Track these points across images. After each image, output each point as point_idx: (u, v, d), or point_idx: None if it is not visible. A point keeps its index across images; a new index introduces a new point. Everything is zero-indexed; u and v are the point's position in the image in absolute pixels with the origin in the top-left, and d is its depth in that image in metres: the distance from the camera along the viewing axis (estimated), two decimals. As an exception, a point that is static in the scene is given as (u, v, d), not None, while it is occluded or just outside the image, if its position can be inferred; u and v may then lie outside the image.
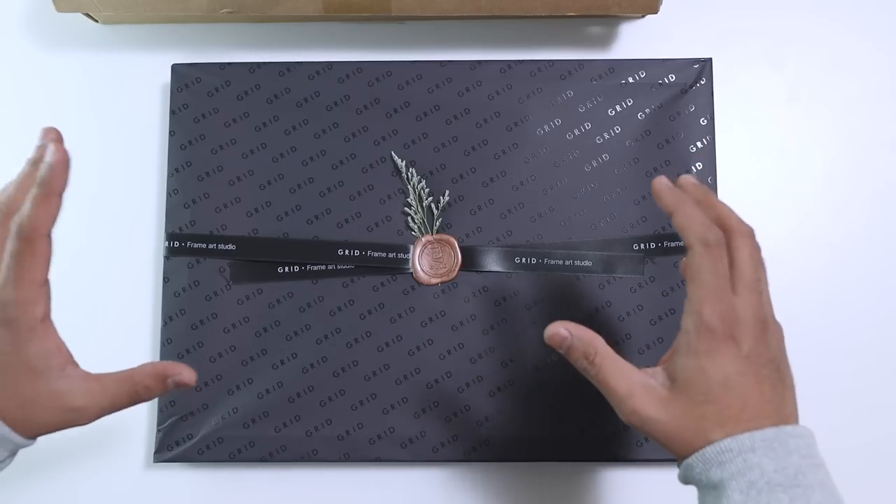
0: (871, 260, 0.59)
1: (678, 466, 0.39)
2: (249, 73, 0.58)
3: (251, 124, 0.57)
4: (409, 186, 0.56)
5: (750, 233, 0.40)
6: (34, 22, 0.62)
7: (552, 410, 0.54)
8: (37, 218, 0.39)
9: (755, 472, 0.35)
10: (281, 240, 0.56)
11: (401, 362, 0.55)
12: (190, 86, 0.58)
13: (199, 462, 0.55)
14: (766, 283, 0.40)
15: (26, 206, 0.39)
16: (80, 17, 0.59)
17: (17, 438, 0.39)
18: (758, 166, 0.60)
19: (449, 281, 0.56)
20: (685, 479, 0.38)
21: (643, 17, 0.60)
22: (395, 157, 0.56)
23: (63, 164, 0.41)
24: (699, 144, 0.56)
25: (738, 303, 0.38)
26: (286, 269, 0.56)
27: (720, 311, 0.37)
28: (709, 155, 0.56)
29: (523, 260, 0.56)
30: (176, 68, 0.58)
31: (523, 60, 0.57)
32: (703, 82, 0.57)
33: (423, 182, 0.56)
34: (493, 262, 0.56)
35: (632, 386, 0.38)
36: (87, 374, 0.41)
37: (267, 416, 0.55)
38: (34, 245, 0.39)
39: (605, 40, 0.61)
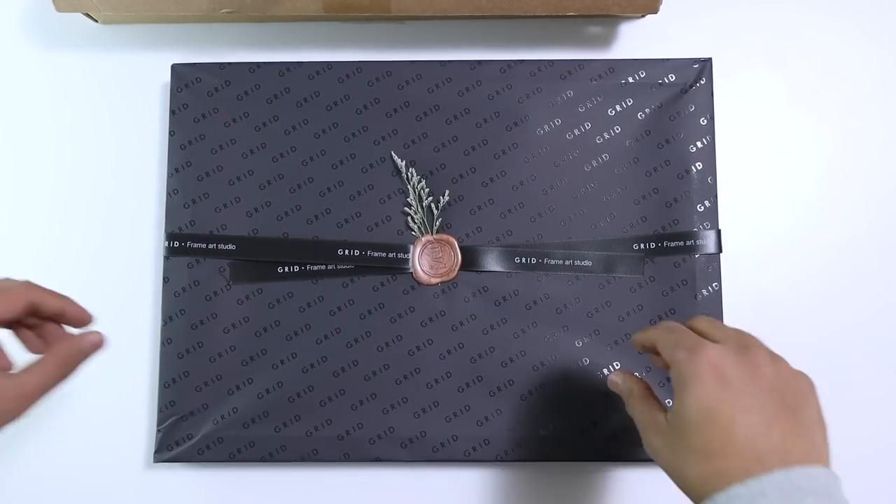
0: (872, 259, 0.59)
1: None
2: (249, 73, 0.58)
3: (251, 124, 0.57)
4: (408, 186, 0.56)
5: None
6: (34, 22, 0.62)
7: (552, 410, 0.54)
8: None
9: None
10: (281, 240, 0.56)
11: (401, 362, 0.55)
12: (190, 86, 0.58)
13: (199, 462, 0.55)
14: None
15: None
16: (80, 17, 0.59)
17: None
18: (758, 166, 0.60)
19: (449, 281, 0.56)
20: None
21: (643, 17, 0.60)
22: (395, 157, 0.56)
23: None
24: (699, 144, 0.56)
25: (712, 342, 0.40)
26: (286, 269, 0.56)
27: (689, 345, 0.39)
28: (709, 155, 0.56)
29: (523, 260, 0.56)
30: (176, 68, 0.58)
31: (523, 60, 0.57)
32: (703, 82, 0.57)
33: (423, 182, 0.56)
34: (493, 262, 0.56)
35: (648, 421, 0.41)
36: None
37: (267, 416, 0.54)
38: None
39: (605, 40, 0.61)
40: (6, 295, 0.42)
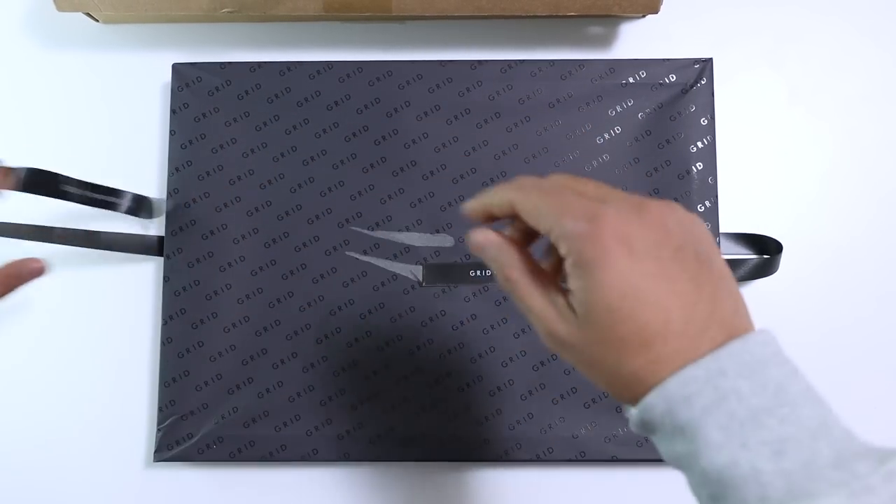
0: (872, 260, 0.59)
1: (626, 413, 0.32)
2: (250, 73, 0.58)
3: (251, 124, 0.57)
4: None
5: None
6: (34, 22, 0.62)
7: (552, 411, 0.54)
8: None
9: (732, 401, 0.28)
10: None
11: (401, 362, 0.55)
12: (190, 85, 0.58)
13: (199, 462, 0.55)
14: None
15: None
16: (80, 16, 0.59)
17: None
18: (758, 166, 0.60)
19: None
20: (643, 426, 0.31)
21: (643, 16, 0.60)
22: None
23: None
24: (699, 144, 0.57)
25: (601, 203, 0.32)
26: (286, 268, 0.56)
27: (580, 214, 0.31)
28: (709, 155, 0.56)
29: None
30: (176, 67, 0.58)
31: (524, 60, 0.58)
32: (703, 82, 0.57)
33: (423, 182, 0.56)
34: (493, 262, 0.56)
35: (547, 308, 0.33)
36: None
37: (267, 415, 0.54)
38: None
39: (605, 40, 0.61)
40: None
